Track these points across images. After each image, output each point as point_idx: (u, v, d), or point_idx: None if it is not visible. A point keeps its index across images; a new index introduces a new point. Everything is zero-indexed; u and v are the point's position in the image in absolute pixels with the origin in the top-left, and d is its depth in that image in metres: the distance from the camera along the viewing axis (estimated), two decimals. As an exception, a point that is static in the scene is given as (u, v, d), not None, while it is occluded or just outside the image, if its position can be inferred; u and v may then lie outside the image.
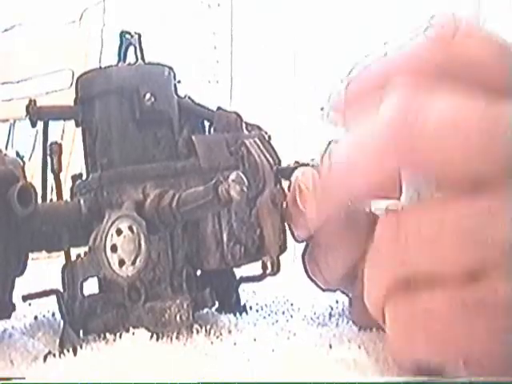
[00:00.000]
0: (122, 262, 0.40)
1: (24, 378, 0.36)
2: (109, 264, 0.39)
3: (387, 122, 0.33)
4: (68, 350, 0.39)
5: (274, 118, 1.50)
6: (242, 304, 0.49)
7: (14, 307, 0.45)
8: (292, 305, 0.50)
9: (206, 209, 0.41)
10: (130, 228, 0.41)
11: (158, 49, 1.52)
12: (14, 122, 1.44)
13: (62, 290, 0.43)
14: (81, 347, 0.39)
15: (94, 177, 0.45)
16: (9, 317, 0.45)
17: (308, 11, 1.49)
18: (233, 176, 0.40)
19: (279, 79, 1.55)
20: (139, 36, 0.52)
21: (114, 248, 0.40)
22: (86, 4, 1.41)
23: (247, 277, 0.48)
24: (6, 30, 1.40)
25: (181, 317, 0.42)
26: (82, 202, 0.44)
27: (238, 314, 0.47)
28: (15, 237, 0.42)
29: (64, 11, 1.42)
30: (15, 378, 0.36)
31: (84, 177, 0.47)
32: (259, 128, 0.51)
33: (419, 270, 0.32)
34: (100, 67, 0.48)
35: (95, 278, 0.45)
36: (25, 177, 0.45)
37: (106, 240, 0.39)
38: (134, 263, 0.40)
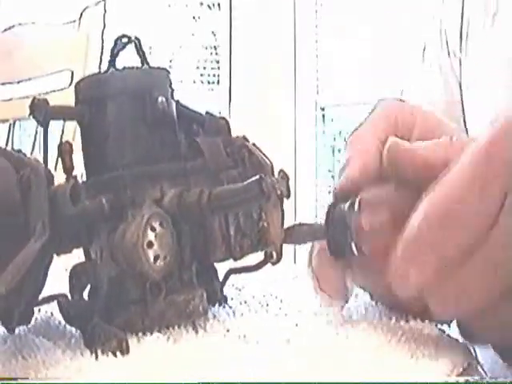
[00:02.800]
0: (156, 257, 0.42)
1: (27, 378, 0.36)
2: (146, 259, 0.41)
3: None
4: (116, 347, 0.40)
5: (273, 118, 1.51)
6: (224, 295, 0.51)
7: (33, 312, 0.45)
8: (281, 301, 0.52)
9: (246, 203, 0.43)
10: (161, 224, 0.42)
11: (158, 49, 1.52)
12: (14, 122, 1.45)
13: (67, 294, 0.44)
14: (127, 343, 0.39)
15: (111, 176, 0.46)
16: (29, 322, 0.45)
17: (308, 11, 1.49)
18: (279, 173, 0.43)
19: (279, 79, 1.56)
20: (139, 40, 0.52)
21: (149, 244, 0.41)
22: (85, 4, 1.41)
23: (242, 267, 0.50)
24: (5, 30, 1.40)
25: (203, 307, 0.44)
26: (104, 201, 0.45)
27: (236, 307, 0.48)
28: (54, 237, 0.42)
29: (64, 11, 1.42)
30: (19, 378, 0.36)
31: (80, 177, 0.48)
32: (245, 138, 0.53)
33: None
34: (109, 70, 0.49)
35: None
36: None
37: (143, 237, 0.41)
38: (165, 258, 0.42)
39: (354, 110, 1.38)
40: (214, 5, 1.51)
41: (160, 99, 0.47)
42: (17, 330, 0.45)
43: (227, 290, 0.52)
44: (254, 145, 0.50)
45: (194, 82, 1.51)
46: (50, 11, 1.41)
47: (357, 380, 0.36)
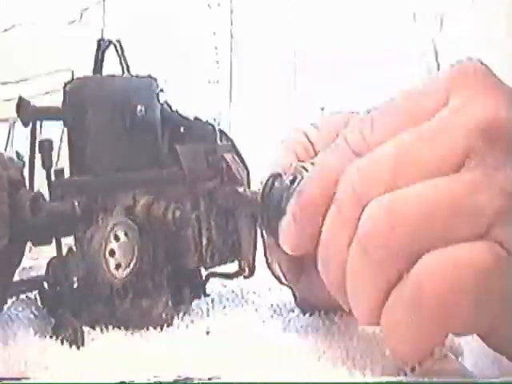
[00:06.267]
0: (118, 266, 0.43)
1: (28, 378, 0.37)
2: (107, 267, 0.42)
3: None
4: (71, 336, 0.41)
5: (273, 118, 1.51)
6: (207, 294, 0.52)
7: (6, 301, 0.46)
8: (259, 296, 0.53)
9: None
10: (126, 234, 0.43)
11: (158, 49, 1.52)
12: (14, 122, 1.45)
13: (44, 285, 0.45)
14: (81, 332, 0.40)
15: (86, 180, 0.47)
16: (1, 310, 0.47)
17: (308, 11, 1.49)
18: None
19: (279, 79, 1.56)
20: (120, 45, 0.52)
21: (111, 252, 0.42)
22: (85, 4, 1.41)
23: (221, 273, 0.51)
24: (5, 30, 1.41)
25: (166, 314, 0.45)
26: (76, 203, 0.46)
27: (209, 303, 0.49)
28: (19, 236, 0.43)
29: (64, 11, 1.43)
30: (17, 378, 0.37)
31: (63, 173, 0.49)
32: (232, 143, 0.54)
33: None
34: (93, 75, 0.50)
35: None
36: (23, 178, 0.47)
37: (105, 245, 0.42)
38: (127, 266, 0.43)
39: (354, 110, 1.38)
40: (214, 4, 1.51)
41: (139, 108, 0.48)
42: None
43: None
44: (237, 153, 0.51)
45: (194, 81, 1.51)
46: (50, 11, 1.41)
47: (352, 379, 0.36)
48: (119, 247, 0.42)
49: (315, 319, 0.43)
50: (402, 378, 0.35)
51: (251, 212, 0.46)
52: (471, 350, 0.38)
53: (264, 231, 0.43)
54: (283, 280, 0.45)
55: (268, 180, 0.41)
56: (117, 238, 0.43)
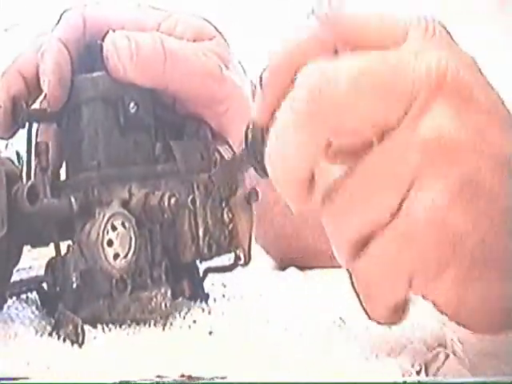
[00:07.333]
0: (116, 256, 0.44)
1: (28, 378, 0.37)
2: (105, 257, 0.43)
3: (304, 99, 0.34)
4: (72, 332, 0.41)
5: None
6: (206, 292, 0.52)
7: (5, 300, 0.47)
8: (261, 295, 0.53)
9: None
10: (123, 224, 0.44)
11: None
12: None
13: (43, 285, 0.46)
14: (82, 329, 0.41)
15: (82, 177, 0.48)
16: (1, 309, 0.47)
17: (309, 10, 1.49)
18: None
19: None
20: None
21: (110, 242, 0.43)
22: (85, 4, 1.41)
23: (217, 267, 0.52)
24: (6, 30, 1.41)
25: (165, 304, 0.46)
26: (72, 199, 0.46)
27: (210, 304, 0.49)
28: (17, 232, 0.44)
29: (61, 11, 1.43)
30: (17, 378, 0.37)
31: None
32: (226, 141, 0.54)
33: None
34: (86, 74, 0.50)
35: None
36: (21, 177, 0.48)
37: (103, 235, 0.42)
38: (125, 256, 0.43)
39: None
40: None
41: (132, 105, 0.49)
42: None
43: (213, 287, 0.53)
44: (230, 147, 0.52)
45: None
46: (51, 11, 1.41)
47: (354, 380, 0.36)
48: (117, 237, 0.43)
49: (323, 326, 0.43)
50: (405, 379, 0.35)
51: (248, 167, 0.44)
52: (471, 350, 0.38)
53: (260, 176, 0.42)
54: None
55: (247, 129, 0.40)
56: (114, 228, 0.44)
